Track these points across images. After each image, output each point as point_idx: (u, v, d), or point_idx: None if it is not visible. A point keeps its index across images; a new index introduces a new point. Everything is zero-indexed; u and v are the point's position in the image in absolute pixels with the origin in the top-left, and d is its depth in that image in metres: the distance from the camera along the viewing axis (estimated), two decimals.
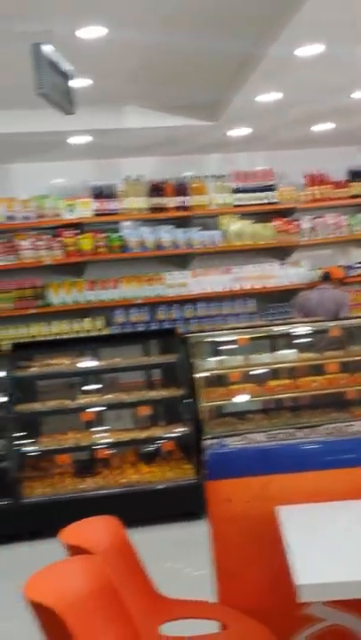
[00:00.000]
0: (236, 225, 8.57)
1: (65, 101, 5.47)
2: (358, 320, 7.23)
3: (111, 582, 2.40)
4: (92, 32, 5.82)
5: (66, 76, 5.49)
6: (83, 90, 6.50)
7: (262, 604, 3.01)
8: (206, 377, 7.09)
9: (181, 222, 8.53)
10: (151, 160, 8.63)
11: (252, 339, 7.19)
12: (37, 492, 6.64)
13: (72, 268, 8.29)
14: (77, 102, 5.61)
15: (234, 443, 3.47)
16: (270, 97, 7.11)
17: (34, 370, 7.10)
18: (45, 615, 2.13)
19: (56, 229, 8.26)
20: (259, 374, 7.17)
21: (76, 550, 2.66)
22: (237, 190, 8.57)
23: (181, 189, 8.46)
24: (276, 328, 7.30)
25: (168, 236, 8.38)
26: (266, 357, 7.08)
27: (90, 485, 6.73)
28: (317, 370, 7.08)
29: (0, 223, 8.08)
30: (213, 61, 6.63)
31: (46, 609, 2.11)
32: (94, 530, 2.94)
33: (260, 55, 6.20)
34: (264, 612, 2.91)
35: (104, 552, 2.71)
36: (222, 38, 6.14)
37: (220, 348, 7.49)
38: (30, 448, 6.86)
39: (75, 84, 5.58)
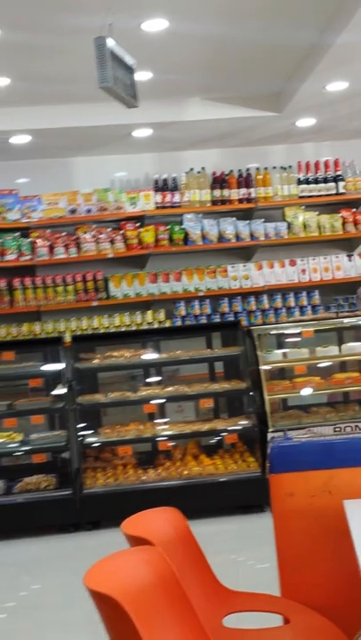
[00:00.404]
0: (301, 216, 8.46)
1: (128, 95, 5.46)
2: None
3: (173, 573, 2.37)
4: (153, 25, 5.81)
5: (129, 70, 5.48)
6: (144, 83, 6.50)
7: (327, 599, 2.95)
8: (270, 369, 7.04)
9: (245, 214, 8.47)
10: (214, 152, 8.58)
11: (317, 331, 7.11)
12: (99, 482, 6.69)
13: (134, 261, 8.30)
14: (139, 95, 5.60)
15: (298, 436, 3.41)
16: (338, 86, 6.99)
17: (96, 362, 7.15)
18: (107, 605, 2.12)
19: (118, 222, 8.29)
20: (324, 367, 7.08)
21: (137, 541, 2.65)
22: (303, 181, 8.46)
23: (245, 181, 8.39)
24: (343, 320, 7.20)
25: (231, 228, 8.32)
26: (332, 350, 6.99)
27: (151, 477, 6.75)
28: None
29: (63, 216, 8.14)
30: (278, 51, 6.55)
31: (108, 599, 2.09)
32: (156, 521, 2.93)
33: (327, 44, 6.09)
34: (329, 607, 2.85)
35: (166, 543, 2.69)
36: (287, 27, 6.06)
37: (285, 340, 7.43)
38: (92, 439, 6.92)
39: (137, 76, 5.57)
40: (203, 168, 8.35)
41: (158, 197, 8.25)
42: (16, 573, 5.72)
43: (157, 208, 8.25)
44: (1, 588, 5.37)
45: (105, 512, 6.46)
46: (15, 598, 5.18)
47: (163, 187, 8.28)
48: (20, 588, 5.36)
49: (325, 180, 8.48)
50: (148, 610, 2.17)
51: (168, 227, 8.25)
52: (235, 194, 8.36)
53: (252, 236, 8.34)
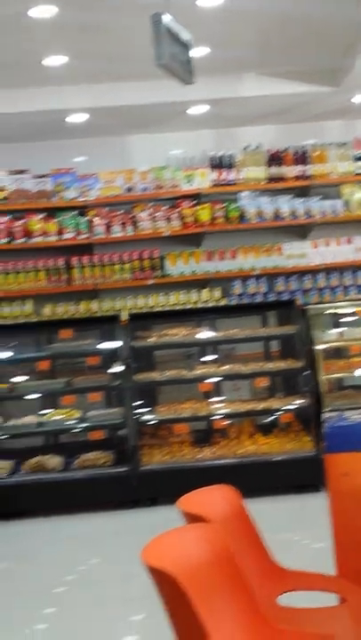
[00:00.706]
0: (358, 194, 8.33)
1: (184, 71, 5.43)
2: None
3: (229, 551, 2.39)
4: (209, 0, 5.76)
5: (185, 46, 5.44)
6: (200, 59, 6.45)
7: None
8: (326, 349, 6.99)
9: (301, 192, 8.37)
10: (270, 128, 8.48)
11: None
12: (155, 459, 6.75)
13: (190, 239, 8.29)
14: (195, 71, 5.56)
15: (354, 416, 3.40)
16: None
17: (152, 340, 7.19)
18: (164, 581, 2.15)
19: (174, 200, 8.28)
20: None
21: (193, 518, 2.67)
22: (360, 158, 8.32)
23: (301, 158, 8.29)
24: None
25: (287, 205, 8.24)
26: None
27: (207, 455, 6.78)
28: None
29: (119, 195, 8.17)
30: (334, 26, 6.44)
31: (165, 575, 2.12)
32: (212, 498, 2.94)
33: None
34: None
35: (222, 521, 2.71)
36: (344, 1, 5.95)
37: (341, 319, 7.37)
38: (148, 417, 6.97)
39: (193, 53, 5.53)
40: (259, 145, 8.28)
41: (214, 175, 8.22)
42: (75, 548, 5.82)
43: (213, 186, 8.22)
44: (60, 563, 5.48)
45: (161, 489, 6.52)
46: (74, 572, 5.28)
47: (219, 164, 8.24)
48: (79, 563, 5.46)
49: None
50: (204, 586, 2.19)
51: (224, 204, 8.21)
52: (291, 171, 8.28)
53: (308, 213, 8.26)
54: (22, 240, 7.98)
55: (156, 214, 8.13)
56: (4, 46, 6.25)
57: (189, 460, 6.74)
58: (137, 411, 6.88)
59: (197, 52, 6.29)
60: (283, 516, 6.01)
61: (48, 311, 7.85)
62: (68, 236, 8.04)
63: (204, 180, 8.21)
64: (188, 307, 7.91)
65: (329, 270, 8.20)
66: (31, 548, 5.93)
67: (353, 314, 7.13)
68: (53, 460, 6.85)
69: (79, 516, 6.49)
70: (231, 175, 8.22)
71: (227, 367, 7.10)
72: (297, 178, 8.28)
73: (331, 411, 6.30)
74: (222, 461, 6.69)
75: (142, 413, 6.93)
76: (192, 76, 5.51)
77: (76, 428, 7.03)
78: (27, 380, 7.18)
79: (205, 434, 7.20)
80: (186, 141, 8.53)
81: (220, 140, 8.46)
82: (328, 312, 7.27)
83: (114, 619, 4.40)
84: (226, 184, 8.23)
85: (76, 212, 8.13)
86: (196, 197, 8.22)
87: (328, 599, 2.93)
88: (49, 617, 4.55)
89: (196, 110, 7.90)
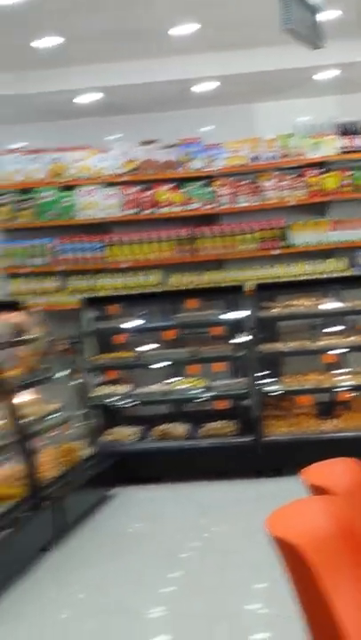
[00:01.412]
0: None
1: (312, 36, 5.30)
2: None
3: (355, 525, 2.36)
4: None
5: (313, 10, 5.30)
6: (331, 22, 6.27)
7: None
8: None
9: None
10: None
11: None
12: (279, 430, 6.74)
13: (316, 208, 8.15)
14: (326, 35, 5.42)
15: None
16: None
17: (276, 310, 7.15)
18: (288, 552, 2.15)
19: (300, 169, 8.14)
20: None
21: (317, 490, 2.65)
22: None
23: None
24: None
25: None
26: None
27: (330, 427, 6.72)
28: None
29: (244, 164, 8.11)
30: None
31: (290, 546, 2.12)
32: (336, 471, 2.91)
33: None
34: None
35: (346, 494, 2.67)
36: None
37: None
38: (272, 387, 6.96)
39: (322, 16, 5.39)
40: None
41: (342, 142, 8.03)
42: (200, 515, 5.90)
43: (341, 153, 8.03)
44: (186, 529, 5.57)
45: (285, 460, 6.51)
46: (199, 539, 5.36)
47: (347, 131, 8.03)
48: (204, 530, 5.54)
49: None
50: (330, 559, 2.17)
51: (352, 172, 8.02)
52: None
53: None
54: (150, 211, 8.08)
55: (282, 183, 8.03)
56: (131, 17, 6.30)
57: (313, 431, 6.69)
58: (261, 381, 6.88)
59: (328, 15, 6.11)
60: None
61: (174, 281, 7.93)
62: (193, 206, 8.07)
63: (331, 148, 8.03)
64: (313, 277, 7.80)
65: None
66: (158, 513, 6.06)
67: None
68: (179, 429, 6.96)
69: (204, 484, 6.58)
70: (360, 142, 7.99)
71: (352, 338, 6.98)
72: None
73: None
74: (347, 434, 6.60)
75: (266, 384, 6.92)
76: (321, 40, 5.37)
77: (200, 398, 7.11)
78: (153, 349, 7.30)
79: (329, 406, 7.12)
80: (313, 108, 8.37)
81: (349, 105, 8.24)
82: None
83: (237, 586, 4.45)
84: (354, 151, 8.02)
85: (201, 183, 8.14)
86: (323, 165, 8.06)
87: None
88: (175, 581, 4.65)
89: (325, 75, 7.71)
